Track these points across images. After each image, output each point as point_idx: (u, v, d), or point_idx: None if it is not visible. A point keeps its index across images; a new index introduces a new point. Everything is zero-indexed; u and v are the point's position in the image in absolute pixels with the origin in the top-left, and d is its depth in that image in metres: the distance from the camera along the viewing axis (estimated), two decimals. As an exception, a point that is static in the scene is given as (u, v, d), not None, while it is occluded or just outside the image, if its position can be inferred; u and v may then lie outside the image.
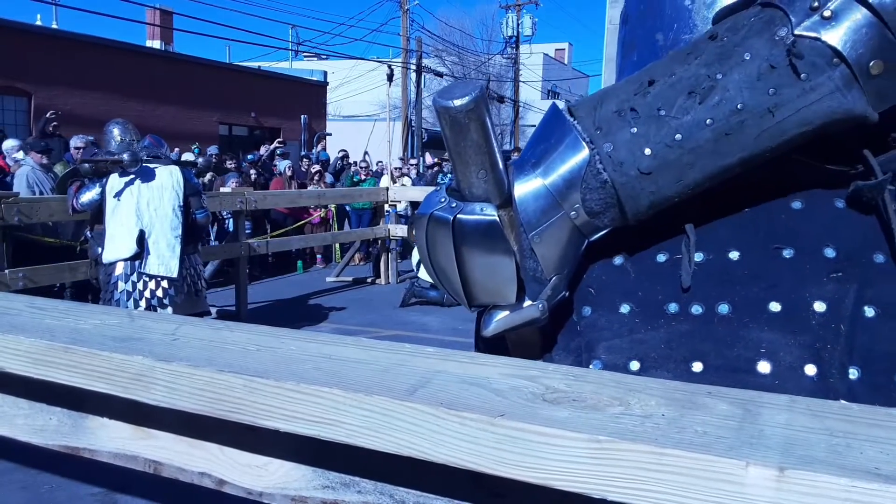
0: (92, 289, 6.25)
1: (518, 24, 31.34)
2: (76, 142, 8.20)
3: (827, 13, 0.79)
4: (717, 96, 0.81)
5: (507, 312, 0.86)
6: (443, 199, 0.86)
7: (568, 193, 0.85)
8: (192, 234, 5.19)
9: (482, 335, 0.88)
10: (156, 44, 20.37)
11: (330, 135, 19.40)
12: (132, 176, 4.85)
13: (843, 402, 0.68)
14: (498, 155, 0.81)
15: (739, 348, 0.82)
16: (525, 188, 0.85)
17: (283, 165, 12.06)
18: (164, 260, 4.84)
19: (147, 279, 4.79)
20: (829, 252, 0.83)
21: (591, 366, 0.88)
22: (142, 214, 4.83)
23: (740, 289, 0.84)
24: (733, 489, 0.52)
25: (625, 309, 0.89)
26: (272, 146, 13.04)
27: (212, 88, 17.68)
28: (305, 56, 32.09)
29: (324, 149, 15.55)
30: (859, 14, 0.78)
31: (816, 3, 0.80)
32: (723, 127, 0.80)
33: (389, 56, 29.16)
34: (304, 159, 13.47)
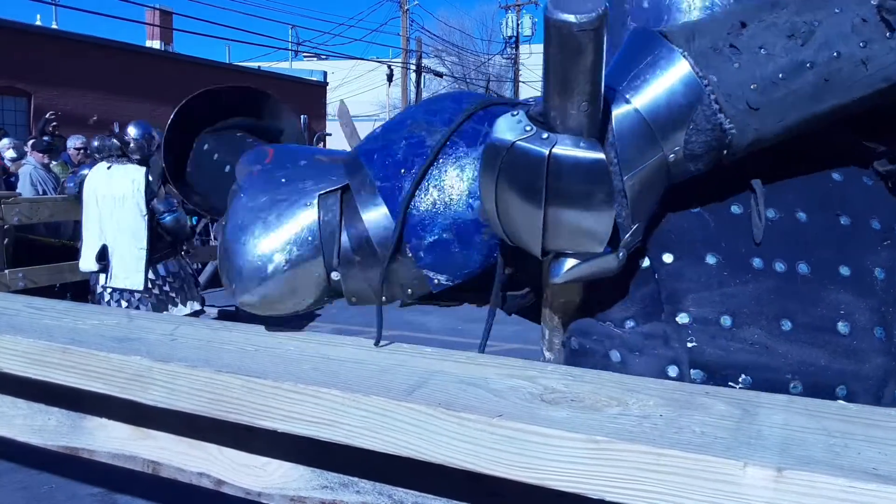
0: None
1: (518, 24, 31.31)
2: (73, 142, 8.17)
3: None
4: (817, 41, 0.81)
5: (577, 260, 0.79)
6: (528, 128, 0.74)
7: (672, 134, 0.80)
8: (160, 240, 4.82)
9: (551, 282, 0.83)
10: (156, 44, 20.33)
11: (330, 135, 19.31)
12: (95, 179, 4.69)
13: (840, 402, 0.68)
14: (602, 86, 0.73)
15: (822, 308, 0.84)
16: (624, 122, 0.78)
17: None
18: (129, 273, 4.65)
19: (117, 292, 4.70)
20: (875, 224, 0.88)
21: (676, 318, 0.84)
22: (105, 227, 4.66)
23: (814, 249, 0.86)
24: (731, 489, 0.52)
25: (711, 260, 0.86)
26: None
27: (212, 89, 17.64)
28: (305, 56, 32.04)
29: (323, 149, 15.49)
30: None
31: None
32: (823, 71, 0.81)
33: (389, 56, 29.23)
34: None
